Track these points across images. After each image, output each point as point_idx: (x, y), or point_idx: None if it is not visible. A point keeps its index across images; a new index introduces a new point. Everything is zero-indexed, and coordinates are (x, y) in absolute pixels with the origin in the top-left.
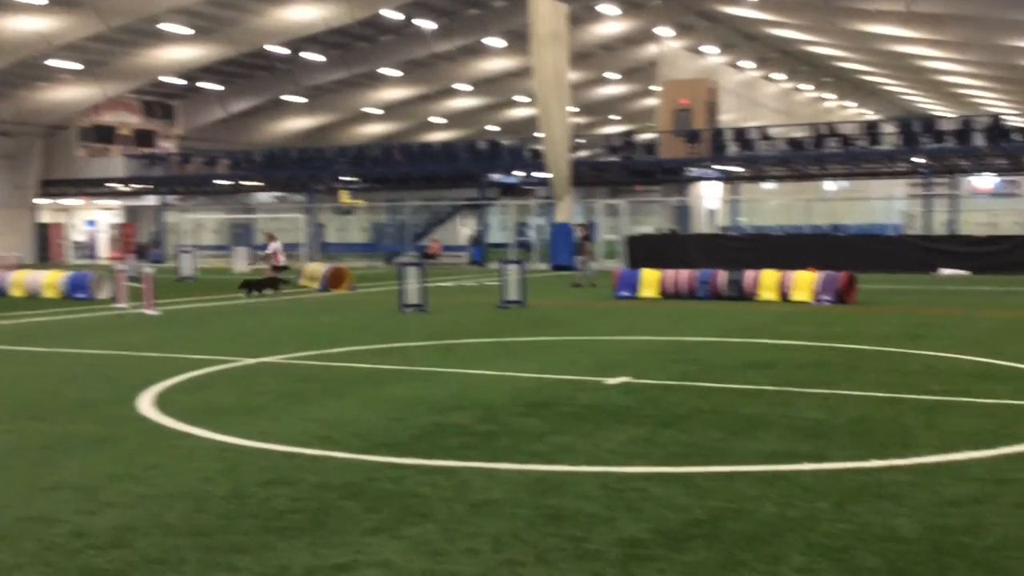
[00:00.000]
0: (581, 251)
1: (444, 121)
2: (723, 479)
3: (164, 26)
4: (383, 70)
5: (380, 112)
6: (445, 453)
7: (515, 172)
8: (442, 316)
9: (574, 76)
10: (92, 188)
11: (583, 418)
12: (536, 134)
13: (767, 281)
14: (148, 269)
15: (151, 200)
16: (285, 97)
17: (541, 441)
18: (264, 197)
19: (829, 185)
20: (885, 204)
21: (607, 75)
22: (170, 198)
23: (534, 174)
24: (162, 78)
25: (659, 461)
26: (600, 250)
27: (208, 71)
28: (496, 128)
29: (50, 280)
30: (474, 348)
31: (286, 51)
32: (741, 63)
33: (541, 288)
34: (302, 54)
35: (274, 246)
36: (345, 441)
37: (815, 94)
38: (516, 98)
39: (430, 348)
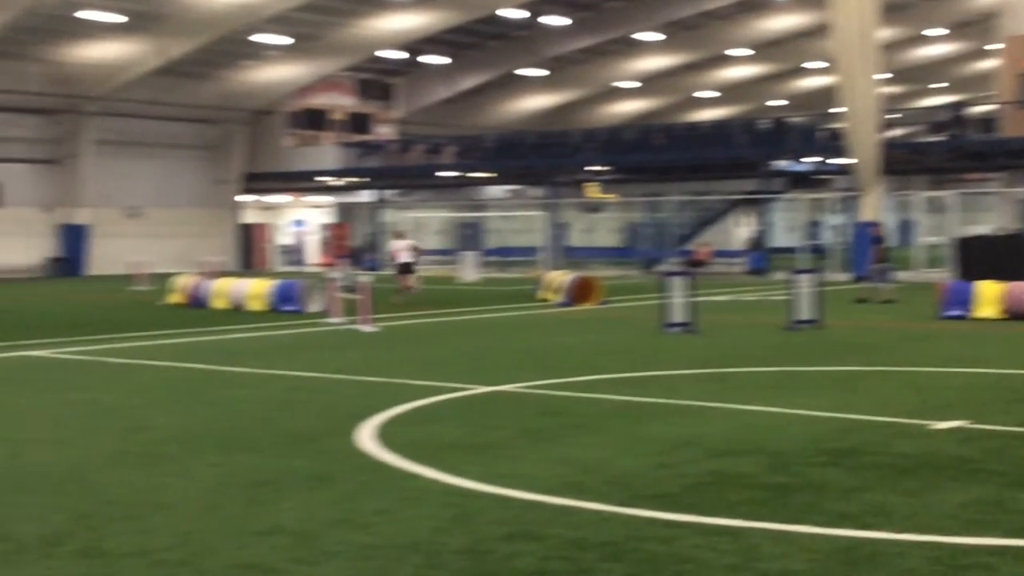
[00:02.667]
0: (878, 257)
1: (716, 95)
2: None
3: None
4: (640, 35)
5: (636, 86)
6: (726, 510)
7: (806, 158)
8: (715, 338)
9: (885, 34)
10: (301, 182)
11: (903, 471)
12: (834, 109)
13: None
14: (364, 278)
15: (366, 196)
16: (521, 71)
17: (848, 499)
18: (495, 191)
19: None
20: None
21: (929, 32)
22: (388, 193)
23: (831, 160)
24: (380, 53)
25: (1011, 531)
26: (918, 256)
27: (432, 42)
28: (782, 103)
29: (255, 290)
30: (756, 378)
31: (524, 14)
32: None
33: (840, 304)
34: (542, 18)
35: (399, 244)
36: (600, 489)
37: None
38: (808, 64)
39: (700, 378)
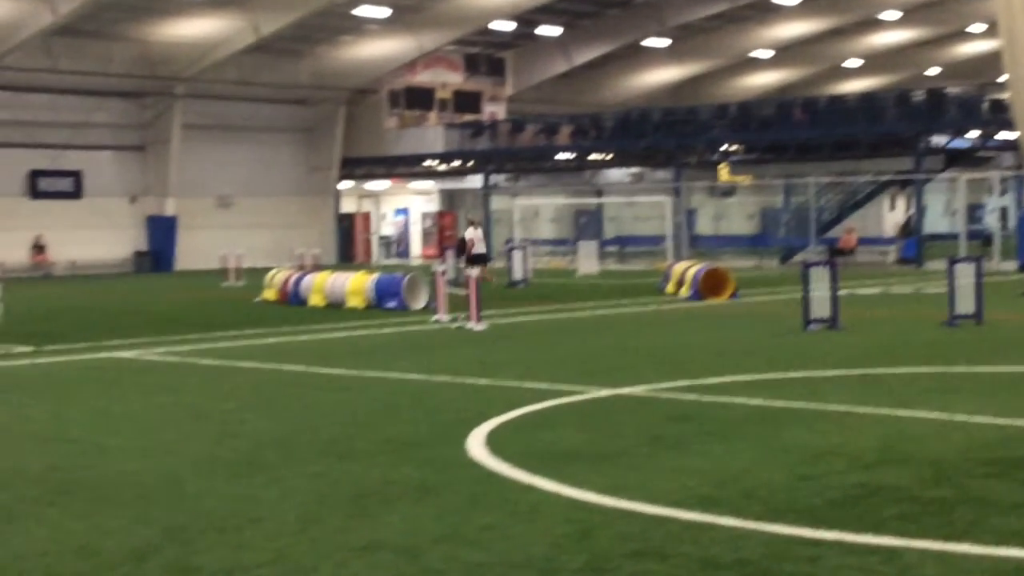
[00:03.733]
0: None
1: (861, 63)
2: None
3: None
4: None
5: (772, 55)
6: (878, 526)
7: (966, 133)
8: (862, 335)
9: None
10: (404, 167)
11: None
12: (998, 78)
13: None
14: (473, 271)
15: (475, 182)
16: (645, 42)
17: (1017, 515)
18: (616, 175)
19: None
20: None
21: None
22: (498, 178)
23: (995, 135)
24: (490, 24)
25: None
26: None
27: (547, 11)
28: (938, 71)
29: (355, 285)
30: (909, 381)
31: None
32: None
33: (1004, 297)
34: None
35: (475, 234)
36: (735, 503)
37: None
38: (969, 28)
39: (846, 379)
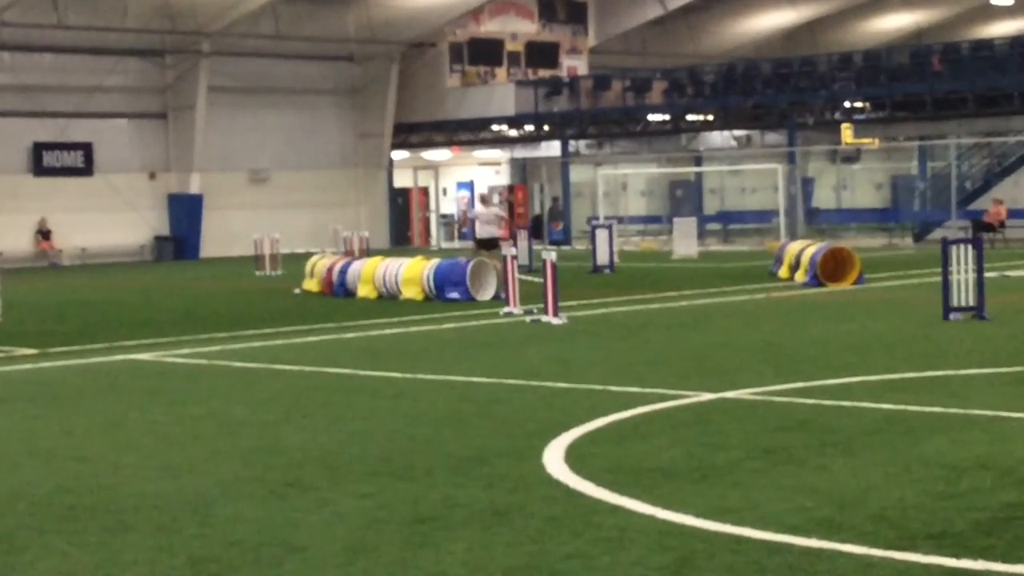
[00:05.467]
0: None
1: (1014, 3)
2: None
3: None
4: None
5: None
6: None
7: None
8: (1012, 326)
9: None
10: (468, 133)
11: None
12: None
13: None
14: (550, 255)
15: (551, 149)
16: None
17: None
18: (718, 139)
19: None
20: None
21: None
22: (579, 144)
23: None
24: None
25: None
26: None
27: None
28: None
29: (411, 273)
30: None
31: None
32: None
33: None
34: None
35: (484, 213)
36: (862, 528)
37: None
38: None
39: (995, 379)
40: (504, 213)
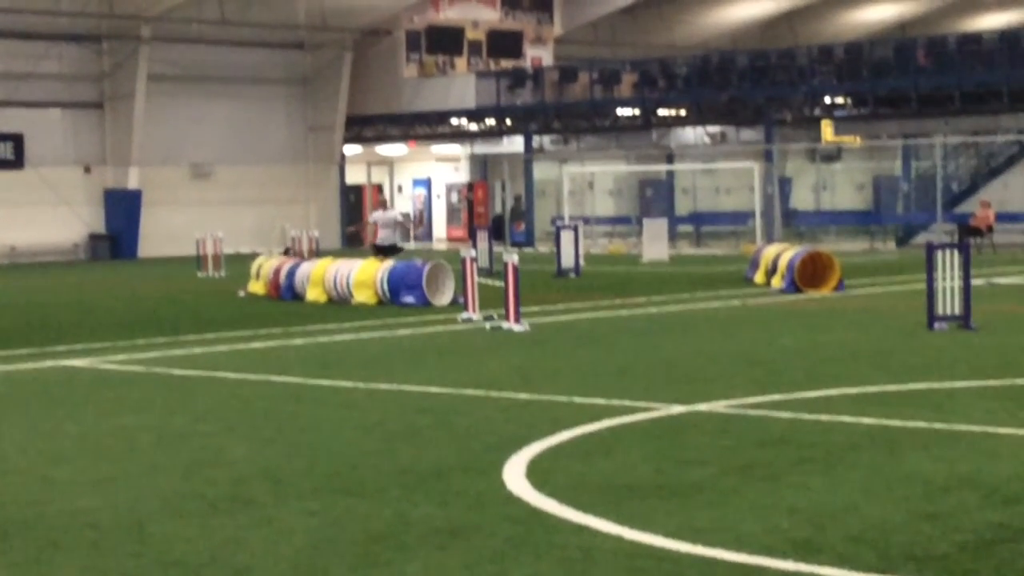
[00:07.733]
0: None
1: None
2: None
3: None
4: None
5: None
6: None
7: None
8: (1001, 336)
9: None
10: (426, 127)
11: None
12: None
13: None
14: (512, 257)
15: (514, 145)
16: None
17: None
18: (691, 135)
19: None
20: None
21: None
22: (543, 140)
23: None
24: None
25: None
26: None
27: None
28: None
29: (363, 276)
30: None
31: None
32: None
33: None
34: None
35: (382, 217)
36: (841, 549)
37: None
38: None
39: (981, 392)
40: (401, 218)
